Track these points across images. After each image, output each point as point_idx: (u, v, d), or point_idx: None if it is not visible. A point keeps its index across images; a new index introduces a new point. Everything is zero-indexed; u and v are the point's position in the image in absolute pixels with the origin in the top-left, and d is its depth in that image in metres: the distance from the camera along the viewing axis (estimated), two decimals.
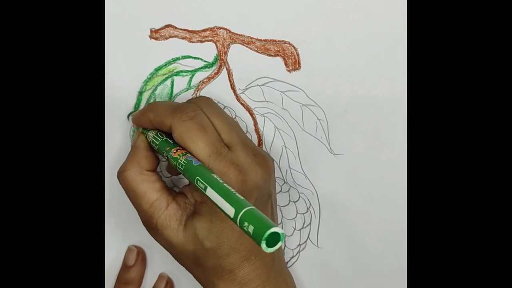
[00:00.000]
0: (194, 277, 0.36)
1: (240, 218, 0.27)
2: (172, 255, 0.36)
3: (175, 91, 0.39)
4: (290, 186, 0.41)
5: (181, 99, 0.40)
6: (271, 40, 0.38)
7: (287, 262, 0.42)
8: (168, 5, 0.38)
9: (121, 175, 0.35)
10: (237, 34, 0.38)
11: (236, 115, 0.40)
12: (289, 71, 0.39)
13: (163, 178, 0.41)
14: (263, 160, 0.35)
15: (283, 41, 0.38)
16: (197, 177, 0.31)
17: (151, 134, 0.36)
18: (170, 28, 0.38)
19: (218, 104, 0.38)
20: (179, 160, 0.33)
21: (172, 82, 0.39)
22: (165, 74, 0.39)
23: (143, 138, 0.36)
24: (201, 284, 0.36)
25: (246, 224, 0.26)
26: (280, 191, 0.41)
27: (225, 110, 0.39)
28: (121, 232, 0.42)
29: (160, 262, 0.42)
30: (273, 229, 0.25)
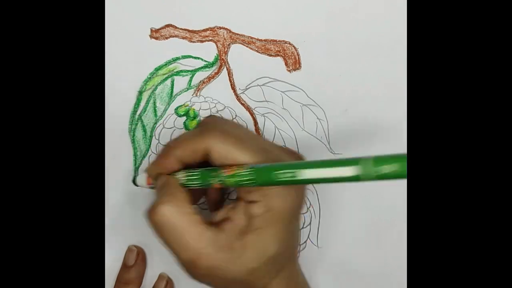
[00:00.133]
0: None
1: (373, 164, 0.25)
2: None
3: (175, 91, 0.40)
4: None
5: (182, 99, 0.40)
6: (271, 40, 0.38)
7: None
8: (168, 5, 0.38)
9: (156, 213, 0.31)
10: (237, 34, 0.38)
11: (236, 115, 0.40)
12: (289, 71, 0.39)
13: None
14: (292, 150, 0.37)
15: (283, 41, 0.38)
16: (280, 171, 0.28)
17: (181, 175, 0.33)
18: (171, 27, 0.38)
19: (219, 103, 0.39)
20: (241, 174, 0.30)
21: (172, 81, 0.39)
22: (165, 74, 0.39)
23: (171, 177, 0.33)
24: None
25: (386, 166, 0.25)
26: None
27: (225, 110, 0.39)
28: (121, 232, 0.42)
29: (160, 262, 0.42)
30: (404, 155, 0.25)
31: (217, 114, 0.39)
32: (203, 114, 0.39)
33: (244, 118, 0.40)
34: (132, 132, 0.40)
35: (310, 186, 0.40)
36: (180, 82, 0.39)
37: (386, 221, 0.40)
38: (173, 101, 0.40)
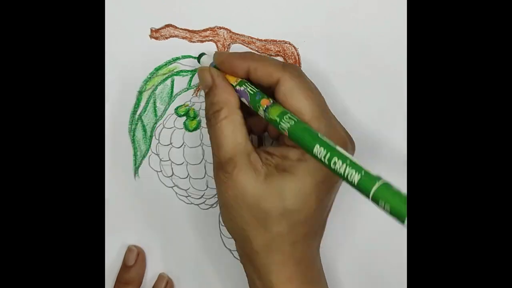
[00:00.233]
0: (245, 245, 0.33)
1: (372, 196, 0.25)
2: (230, 213, 0.33)
3: (175, 91, 0.39)
4: None
5: (182, 99, 0.40)
6: (271, 40, 0.38)
7: None
8: (168, 5, 0.38)
9: (211, 117, 0.32)
10: (237, 34, 0.38)
11: None
12: None
13: (162, 178, 0.41)
14: (351, 137, 0.34)
15: (283, 41, 0.38)
16: (316, 145, 0.28)
17: (244, 83, 0.33)
18: (171, 27, 0.38)
19: None
20: (281, 122, 0.30)
21: (172, 81, 0.39)
22: (165, 74, 0.39)
23: (217, 73, 0.33)
24: (251, 254, 0.33)
25: (381, 202, 0.24)
26: None
27: None
28: (121, 232, 0.42)
29: (160, 262, 0.42)
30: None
31: None
32: (203, 114, 0.39)
33: None
34: (132, 132, 0.40)
35: None
36: (180, 82, 0.39)
37: (386, 221, 0.40)
38: (173, 101, 0.40)
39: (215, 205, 0.41)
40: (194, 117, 0.40)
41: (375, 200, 0.25)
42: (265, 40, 0.38)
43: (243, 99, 0.33)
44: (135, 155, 0.40)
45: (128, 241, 0.42)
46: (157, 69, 0.39)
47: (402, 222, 0.24)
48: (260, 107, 0.32)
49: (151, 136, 0.40)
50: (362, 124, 0.39)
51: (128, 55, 0.39)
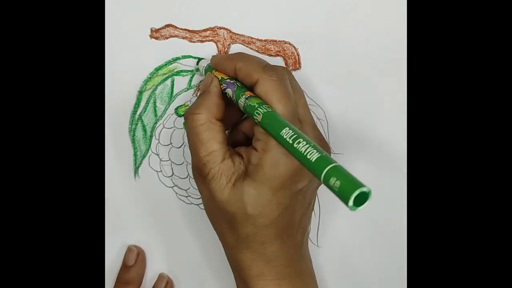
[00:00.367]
0: (221, 239, 0.36)
1: (326, 172, 0.26)
2: (208, 211, 0.36)
3: (175, 91, 0.39)
4: None
5: (182, 99, 0.40)
6: (271, 40, 0.38)
7: None
8: (169, 5, 0.38)
9: (190, 116, 0.34)
10: (237, 34, 0.38)
11: None
12: None
13: (162, 178, 0.41)
14: (326, 146, 0.35)
15: (283, 41, 0.38)
16: (286, 127, 0.29)
17: (228, 80, 0.35)
18: (171, 27, 0.38)
19: None
20: (258, 108, 0.32)
21: (173, 81, 0.39)
22: (165, 74, 0.39)
23: (216, 83, 0.35)
24: (226, 248, 0.36)
25: (332, 179, 0.25)
26: None
27: None
28: (121, 232, 0.42)
29: (160, 262, 0.42)
30: (363, 189, 0.24)
31: None
32: None
33: None
34: (132, 132, 0.40)
35: None
36: (180, 82, 0.39)
37: (386, 221, 0.40)
38: (173, 101, 0.40)
39: None
40: None
41: (327, 178, 0.25)
42: (265, 40, 0.38)
43: (228, 90, 0.34)
44: (135, 155, 0.40)
45: (128, 241, 0.42)
46: (157, 69, 0.39)
47: (347, 203, 0.24)
48: (243, 96, 0.33)
49: (151, 136, 0.40)
50: (362, 124, 0.39)
51: (128, 55, 0.39)
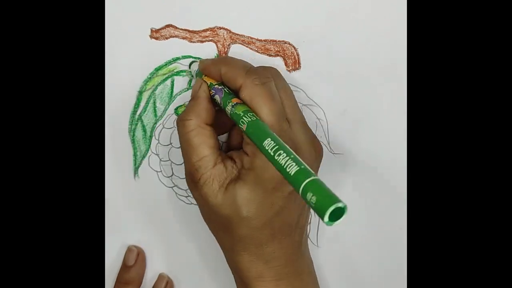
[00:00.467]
0: (219, 243, 0.36)
1: (304, 186, 0.26)
2: (203, 215, 0.36)
3: (175, 91, 0.39)
4: None
5: (182, 99, 0.40)
6: (271, 40, 0.38)
7: None
8: (168, 5, 0.38)
9: (181, 123, 0.35)
10: (237, 34, 0.38)
11: None
12: (289, 71, 0.39)
13: (162, 178, 0.41)
14: (317, 144, 0.36)
15: (283, 41, 0.38)
16: (268, 138, 0.29)
17: (217, 86, 0.35)
18: (171, 28, 0.38)
19: None
20: (243, 116, 0.32)
21: (172, 82, 0.39)
22: (165, 74, 0.39)
23: (205, 88, 0.35)
24: (224, 251, 0.36)
25: (309, 194, 0.25)
26: None
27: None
28: (121, 232, 0.42)
29: (160, 262, 0.42)
30: (339, 204, 0.25)
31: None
32: None
33: None
34: (132, 132, 0.40)
35: None
36: (180, 82, 0.39)
37: (386, 221, 0.40)
38: (173, 101, 0.40)
39: None
40: None
41: (305, 191, 0.25)
42: (265, 40, 0.38)
43: (216, 96, 0.35)
44: (135, 155, 0.40)
45: (128, 241, 0.42)
46: (157, 69, 0.39)
47: (322, 218, 0.24)
48: (230, 103, 0.33)
49: (151, 136, 0.40)
50: (362, 124, 0.39)
51: (128, 55, 0.39)
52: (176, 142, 0.40)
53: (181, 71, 0.39)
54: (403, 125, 0.38)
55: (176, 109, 0.40)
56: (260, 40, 0.38)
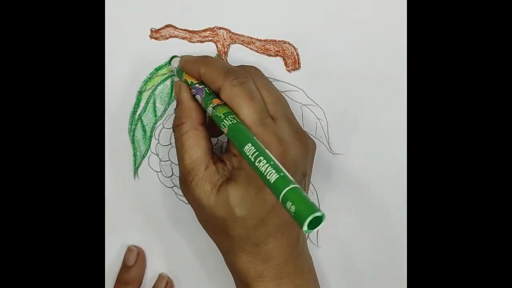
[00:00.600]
0: (218, 246, 0.36)
1: (283, 195, 0.26)
2: (198, 217, 0.36)
3: None
4: None
5: None
6: (271, 40, 0.38)
7: None
8: (168, 5, 0.38)
9: (176, 128, 0.35)
10: (237, 34, 0.38)
11: None
12: (289, 71, 0.39)
13: (162, 178, 0.41)
14: (303, 137, 0.35)
15: (283, 41, 0.38)
16: (249, 143, 0.29)
17: (197, 85, 0.35)
18: (170, 28, 0.38)
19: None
20: (224, 119, 0.32)
21: (172, 82, 0.39)
22: (165, 74, 0.39)
23: (186, 89, 0.35)
24: (223, 253, 0.36)
25: (289, 203, 0.26)
26: None
27: None
28: (121, 232, 0.42)
29: (160, 262, 0.42)
30: (317, 214, 0.25)
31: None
32: None
33: None
34: (132, 132, 0.40)
35: (310, 186, 0.40)
36: None
37: (386, 221, 0.40)
38: (173, 101, 0.40)
39: None
40: None
41: (284, 200, 0.26)
42: (265, 40, 0.38)
43: (197, 96, 0.35)
44: (135, 155, 0.40)
45: (128, 241, 0.42)
46: (157, 69, 0.39)
47: (301, 226, 0.25)
48: (211, 105, 0.33)
49: (151, 136, 0.40)
50: (362, 124, 0.39)
51: (128, 55, 0.39)
52: None
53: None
54: (403, 125, 0.38)
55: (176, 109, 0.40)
56: (260, 40, 0.38)
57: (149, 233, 0.42)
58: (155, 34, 0.39)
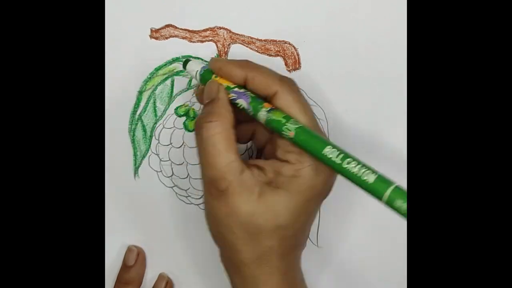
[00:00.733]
0: (234, 257, 0.33)
1: (390, 194, 0.26)
2: (218, 226, 0.33)
3: (175, 91, 0.40)
4: None
5: (181, 99, 0.40)
6: (271, 40, 0.38)
7: None
8: (168, 5, 0.38)
9: (205, 125, 0.32)
10: (237, 34, 0.38)
11: None
12: (289, 71, 0.39)
13: (162, 178, 0.41)
14: None
15: (283, 41, 0.38)
16: (329, 146, 0.28)
17: (237, 89, 0.33)
18: (171, 28, 0.38)
19: None
20: (287, 123, 0.31)
21: (172, 82, 0.39)
22: (165, 74, 0.39)
23: (224, 90, 0.33)
24: (241, 266, 0.33)
25: (399, 201, 0.25)
26: None
27: None
28: (121, 232, 0.42)
29: (160, 262, 0.42)
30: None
31: None
32: None
33: None
34: (132, 132, 0.40)
35: None
36: (180, 82, 0.39)
37: (386, 221, 0.40)
38: (173, 101, 0.40)
39: None
40: (194, 117, 0.40)
41: (391, 199, 0.25)
42: (265, 40, 0.38)
43: (240, 101, 0.33)
44: (135, 155, 0.40)
45: (128, 241, 0.42)
46: (157, 69, 0.39)
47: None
48: (263, 109, 0.32)
49: (151, 136, 0.40)
50: (362, 124, 0.39)
51: (128, 55, 0.39)
52: (176, 142, 0.40)
53: (181, 71, 0.39)
54: (403, 125, 0.38)
55: (176, 109, 0.40)
56: (260, 40, 0.38)
57: (149, 233, 0.42)
58: (155, 34, 0.39)
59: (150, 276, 0.42)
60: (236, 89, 0.33)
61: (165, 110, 0.40)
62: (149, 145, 0.40)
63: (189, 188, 0.41)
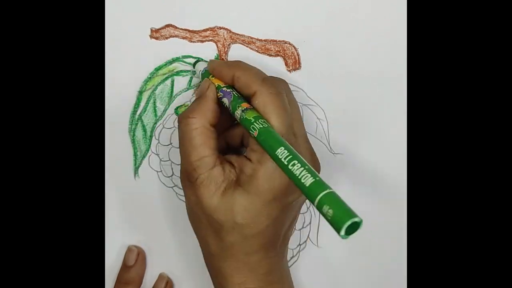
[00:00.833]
0: (203, 246, 0.36)
1: (319, 199, 0.26)
2: (191, 216, 0.36)
3: (175, 91, 0.40)
4: None
5: (181, 99, 0.40)
6: (271, 40, 0.38)
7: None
8: (169, 5, 0.38)
9: (184, 120, 0.34)
10: (237, 34, 0.38)
11: None
12: (289, 71, 0.39)
13: (162, 178, 0.41)
14: (316, 159, 0.35)
15: (283, 41, 0.38)
16: (281, 147, 0.29)
17: (225, 89, 0.35)
18: (171, 27, 0.38)
19: None
20: (254, 122, 0.32)
21: (172, 82, 0.39)
22: (165, 74, 0.39)
23: (213, 89, 0.35)
24: (208, 255, 0.35)
25: (326, 207, 0.26)
26: None
27: None
28: (121, 232, 0.42)
29: (160, 262, 0.42)
30: (355, 219, 0.25)
31: None
32: None
33: None
34: (132, 132, 0.40)
35: None
36: (180, 82, 0.39)
37: (386, 222, 0.40)
38: (173, 101, 0.40)
39: None
40: None
41: (320, 205, 0.26)
42: (265, 40, 0.38)
43: (225, 99, 0.34)
44: (135, 155, 0.40)
45: (128, 241, 0.42)
46: (157, 69, 0.39)
47: (338, 232, 0.25)
48: (239, 108, 0.33)
49: (151, 136, 0.40)
50: (362, 124, 0.39)
51: (128, 55, 0.39)
52: (176, 142, 0.40)
53: (181, 71, 0.39)
54: (403, 125, 0.38)
55: (176, 109, 0.40)
56: (260, 40, 0.38)
57: (149, 233, 0.42)
58: (155, 34, 0.39)
59: (150, 276, 0.42)
60: (224, 88, 0.35)
61: (165, 110, 0.40)
62: (149, 145, 0.40)
63: None
